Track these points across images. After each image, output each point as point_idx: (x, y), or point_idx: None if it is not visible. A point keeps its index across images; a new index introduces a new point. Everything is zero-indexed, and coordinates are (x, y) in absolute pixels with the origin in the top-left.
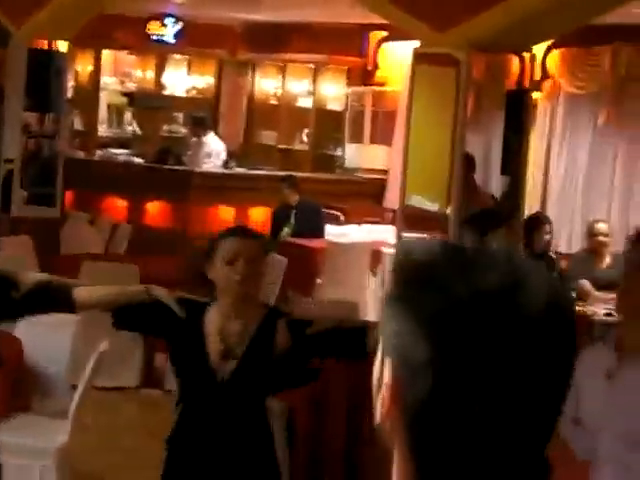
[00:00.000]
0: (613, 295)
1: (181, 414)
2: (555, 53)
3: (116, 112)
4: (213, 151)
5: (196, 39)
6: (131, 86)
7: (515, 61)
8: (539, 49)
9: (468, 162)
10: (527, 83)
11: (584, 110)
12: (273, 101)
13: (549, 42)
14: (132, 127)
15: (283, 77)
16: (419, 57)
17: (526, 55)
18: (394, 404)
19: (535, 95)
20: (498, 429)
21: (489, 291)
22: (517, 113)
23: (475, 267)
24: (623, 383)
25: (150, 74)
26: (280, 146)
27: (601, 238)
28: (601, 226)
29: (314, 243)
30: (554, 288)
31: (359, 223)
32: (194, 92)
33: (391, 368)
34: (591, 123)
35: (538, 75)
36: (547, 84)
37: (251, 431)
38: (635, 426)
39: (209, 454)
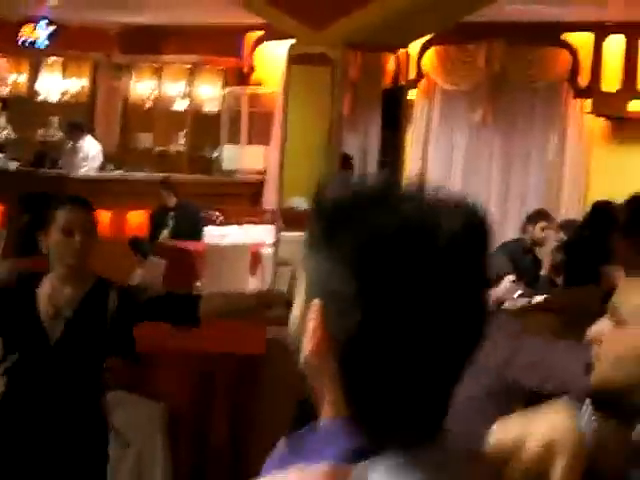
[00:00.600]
0: (493, 289)
1: (11, 380)
2: (430, 51)
3: None
4: (89, 155)
5: (70, 42)
6: (4, 90)
7: (391, 59)
8: (414, 47)
9: (346, 161)
10: (403, 81)
11: (460, 107)
12: (149, 104)
13: (424, 40)
14: (7, 131)
15: (159, 79)
16: (294, 57)
17: (401, 53)
18: (323, 341)
19: (411, 93)
20: (424, 356)
21: (408, 220)
22: (393, 111)
23: (391, 198)
24: None
25: (24, 78)
26: (157, 149)
27: None
28: None
29: (193, 245)
30: (469, 210)
31: (240, 224)
32: (69, 96)
33: (318, 307)
34: (467, 120)
35: (414, 73)
36: (423, 82)
37: (83, 404)
38: None
39: (39, 419)
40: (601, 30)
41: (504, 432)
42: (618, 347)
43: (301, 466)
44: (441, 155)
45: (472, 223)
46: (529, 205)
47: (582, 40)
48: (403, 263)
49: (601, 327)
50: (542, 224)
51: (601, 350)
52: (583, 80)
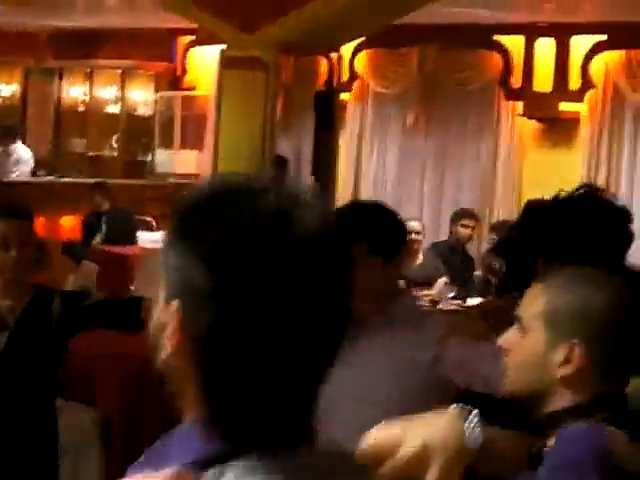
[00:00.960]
0: (427, 292)
1: None
2: (363, 54)
3: None
4: (21, 160)
5: (0, 47)
6: None
7: (324, 62)
8: (347, 50)
9: (281, 164)
10: (336, 84)
11: (393, 110)
12: (81, 108)
13: (357, 43)
14: None
15: (91, 84)
16: (227, 60)
17: (334, 56)
18: (181, 342)
19: (345, 96)
20: (283, 355)
21: (263, 217)
22: (327, 114)
23: (248, 194)
24: None
25: None
26: (90, 153)
27: (413, 236)
28: (413, 224)
29: (127, 250)
30: (325, 211)
31: None
32: (0, 101)
33: (176, 307)
34: (400, 123)
35: (347, 76)
36: (356, 85)
37: (32, 414)
38: None
39: None
40: (532, 32)
41: (383, 434)
42: (518, 356)
43: (148, 473)
44: (375, 157)
45: (327, 220)
46: (462, 206)
47: (514, 42)
48: (257, 258)
49: (508, 335)
50: (463, 222)
51: (507, 359)
52: (515, 82)
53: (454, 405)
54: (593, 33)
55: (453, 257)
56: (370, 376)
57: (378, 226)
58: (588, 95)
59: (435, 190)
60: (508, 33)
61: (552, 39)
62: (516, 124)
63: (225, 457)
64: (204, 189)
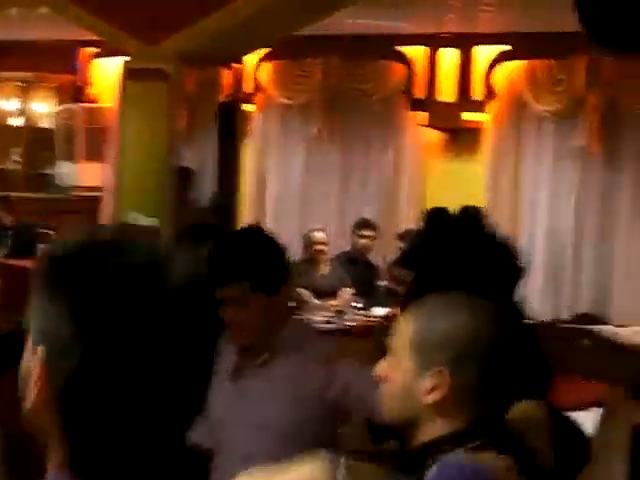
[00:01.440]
0: (332, 302)
1: None
2: (267, 65)
3: None
4: None
5: None
6: None
7: (227, 74)
8: (251, 61)
9: (184, 176)
10: (239, 95)
11: (297, 121)
12: None
13: (261, 55)
14: None
15: None
16: (129, 72)
17: (237, 67)
18: (45, 389)
19: (249, 107)
20: (144, 404)
21: (133, 268)
22: (230, 125)
23: (119, 248)
24: None
25: None
26: None
27: (319, 247)
28: (318, 235)
29: (31, 264)
30: (194, 263)
31: None
32: None
33: (41, 352)
34: (304, 134)
35: (251, 87)
36: (260, 96)
37: None
38: None
39: None
40: (435, 42)
41: None
42: (391, 384)
43: None
44: (279, 168)
45: (194, 273)
46: (366, 217)
47: (417, 53)
48: (121, 308)
49: (382, 364)
50: (362, 232)
51: (383, 387)
52: (418, 92)
53: (323, 452)
54: (496, 43)
55: (355, 267)
56: (265, 408)
57: (260, 266)
58: (491, 105)
59: (340, 200)
60: (411, 44)
61: (455, 49)
62: (420, 134)
63: None
64: (76, 241)
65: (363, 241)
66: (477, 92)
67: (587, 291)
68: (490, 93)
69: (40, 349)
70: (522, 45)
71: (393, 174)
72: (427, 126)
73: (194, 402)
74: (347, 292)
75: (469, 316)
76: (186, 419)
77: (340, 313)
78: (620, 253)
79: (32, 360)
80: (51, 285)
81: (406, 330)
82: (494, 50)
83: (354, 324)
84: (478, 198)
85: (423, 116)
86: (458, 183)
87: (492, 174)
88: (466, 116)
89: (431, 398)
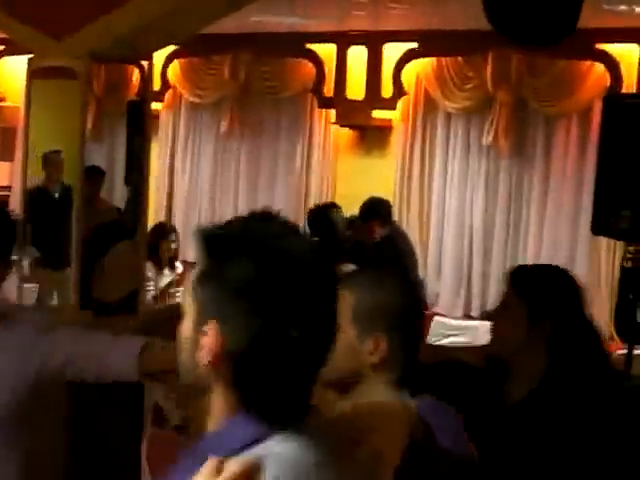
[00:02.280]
0: None
1: None
2: (175, 63)
3: None
4: None
5: None
6: None
7: (135, 72)
8: (159, 59)
9: (96, 174)
10: (147, 93)
11: (206, 119)
12: None
13: (169, 52)
14: None
15: None
16: (35, 70)
17: (146, 64)
18: (219, 354)
19: (157, 105)
20: (301, 355)
21: (284, 251)
22: (138, 124)
23: (266, 233)
24: None
25: None
26: None
27: None
28: None
29: None
30: (310, 240)
31: None
32: None
33: (215, 326)
34: (214, 132)
35: (159, 85)
36: (169, 94)
37: None
38: None
39: None
40: (344, 40)
41: None
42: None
43: (215, 459)
44: (189, 167)
45: (318, 250)
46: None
47: (326, 51)
48: (285, 286)
49: None
50: None
51: None
52: (327, 90)
53: None
54: (405, 41)
55: None
56: None
57: None
58: (400, 102)
59: (250, 198)
60: (320, 41)
61: (364, 47)
62: (329, 132)
63: (264, 436)
64: (233, 226)
65: None
66: (386, 90)
67: (496, 286)
68: (399, 91)
69: (214, 322)
70: (431, 43)
71: (303, 172)
72: (337, 124)
73: (326, 349)
74: None
75: (395, 290)
76: (320, 363)
77: None
78: (529, 249)
79: (196, 333)
80: (218, 272)
81: (344, 304)
82: (403, 48)
83: None
84: (388, 195)
85: (332, 114)
86: (368, 180)
87: (402, 171)
88: (376, 114)
89: (372, 359)
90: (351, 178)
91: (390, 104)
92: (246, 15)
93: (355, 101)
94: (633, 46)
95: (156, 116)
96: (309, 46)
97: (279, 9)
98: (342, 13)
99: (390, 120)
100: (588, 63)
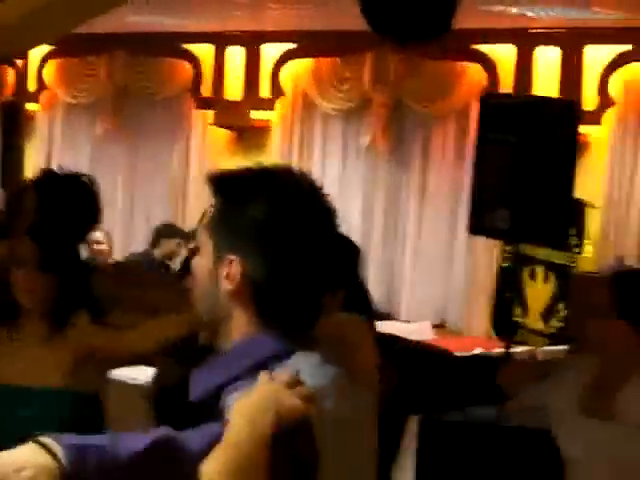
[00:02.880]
0: None
1: None
2: (51, 63)
3: None
4: None
5: None
6: None
7: (10, 71)
8: (35, 60)
9: None
10: (23, 94)
11: (83, 120)
12: None
13: (45, 52)
14: None
15: None
16: None
17: (21, 65)
18: (241, 283)
19: (33, 106)
20: (312, 281)
21: (292, 189)
22: (13, 125)
23: (271, 179)
24: None
25: None
26: None
27: (97, 246)
28: (95, 234)
29: None
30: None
31: None
32: None
33: (235, 259)
34: (91, 133)
35: (34, 86)
36: (45, 95)
37: None
38: None
39: None
40: (222, 41)
41: None
42: (196, 277)
43: (266, 372)
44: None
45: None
46: (155, 217)
47: (203, 51)
48: (297, 223)
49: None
50: (176, 240)
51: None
52: (205, 91)
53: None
54: (283, 41)
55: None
56: None
57: None
58: (278, 103)
59: (128, 200)
60: (198, 42)
61: (242, 47)
62: (208, 133)
63: (286, 354)
64: (243, 171)
65: (172, 247)
66: (264, 91)
67: (375, 289)
68: (277, 91)
69: (234, 255)
70: (309, 43)
71: (181, 173)
72: (215, 125)
73: (332, 275)
74: None
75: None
76: (326, 288)
77: None
78: (407, 248)
79: (217, 266)
80: (236, 210)
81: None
82: (281, 48)
83: None
84: None
85: (210, 115)
86: None
87: None
88: (254, 115)
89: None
90: None
91: (268, 105)
92: (122, 15)
93: (233, 102)
94: (509, 47)
95: (32, 117)
96: (186, 46)
97: (155, 9)
98: (220, 13)
99: (268, 121)
100: (465, 64)
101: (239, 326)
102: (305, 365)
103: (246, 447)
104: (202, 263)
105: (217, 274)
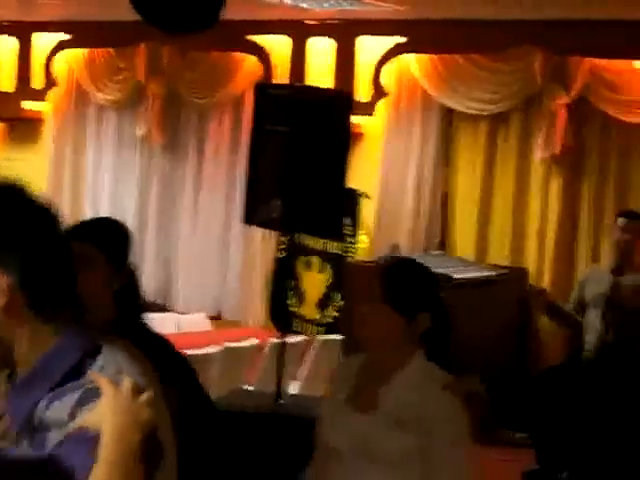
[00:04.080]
0: None
1: None
2: None
3: None
4: None
5: None
6: None
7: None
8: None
9: None
10: None
11: None
12: None
13: None
14: None
15: None
16: None
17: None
18: (14, 297)
19: None
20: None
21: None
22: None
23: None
24: None
25: None
26: None
27: None
28: None
29: None
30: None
31: None
32: None
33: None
34: None
35: None
36: None
37: None
38: None
39: None
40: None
41: None
42: None
43: (105, 377)
44: None
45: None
46: None
47: None
48: (25, 231)
49: None
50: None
51: None
52: None
53: None
54: (56, 31)
55: None
56: None
57: None
58: (51, 94)
59: None
60: None
61: (14, 38)
62: None
63: (92, 352)
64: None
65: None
66: (37, 81)
67: (150, 280)
68: (50, 82)
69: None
70: (82, 34)
71: None
72: None
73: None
74: None
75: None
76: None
77: None
78: (182, 237)
79: None
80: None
81: None
82: (54, 38)
83: None
84: (40, 188)
85: None
86: (19, 173)
87: (53, 163)
88: (26, 105)
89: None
90: (4, 171)
91: (40, 95)
92: None
93: (5, 93)
94: (284, 37)
95: None
96: None
97: None
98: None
99: (41, 112)
100: (240, 55)
101: (30, 338)
102: (122, 360)
103: (123, 467)
104: None
105: None
